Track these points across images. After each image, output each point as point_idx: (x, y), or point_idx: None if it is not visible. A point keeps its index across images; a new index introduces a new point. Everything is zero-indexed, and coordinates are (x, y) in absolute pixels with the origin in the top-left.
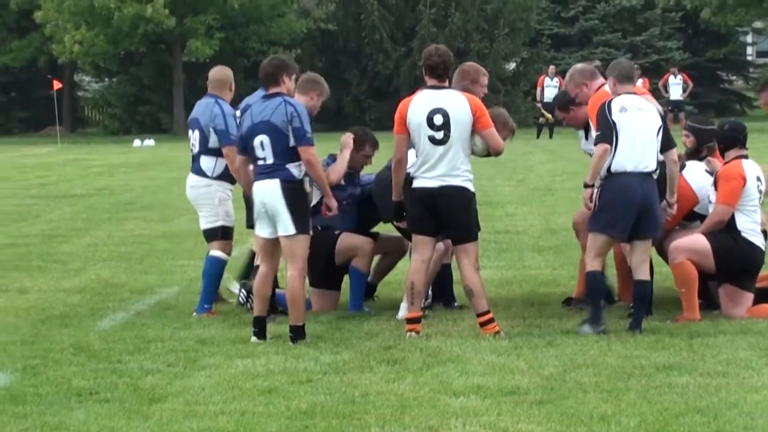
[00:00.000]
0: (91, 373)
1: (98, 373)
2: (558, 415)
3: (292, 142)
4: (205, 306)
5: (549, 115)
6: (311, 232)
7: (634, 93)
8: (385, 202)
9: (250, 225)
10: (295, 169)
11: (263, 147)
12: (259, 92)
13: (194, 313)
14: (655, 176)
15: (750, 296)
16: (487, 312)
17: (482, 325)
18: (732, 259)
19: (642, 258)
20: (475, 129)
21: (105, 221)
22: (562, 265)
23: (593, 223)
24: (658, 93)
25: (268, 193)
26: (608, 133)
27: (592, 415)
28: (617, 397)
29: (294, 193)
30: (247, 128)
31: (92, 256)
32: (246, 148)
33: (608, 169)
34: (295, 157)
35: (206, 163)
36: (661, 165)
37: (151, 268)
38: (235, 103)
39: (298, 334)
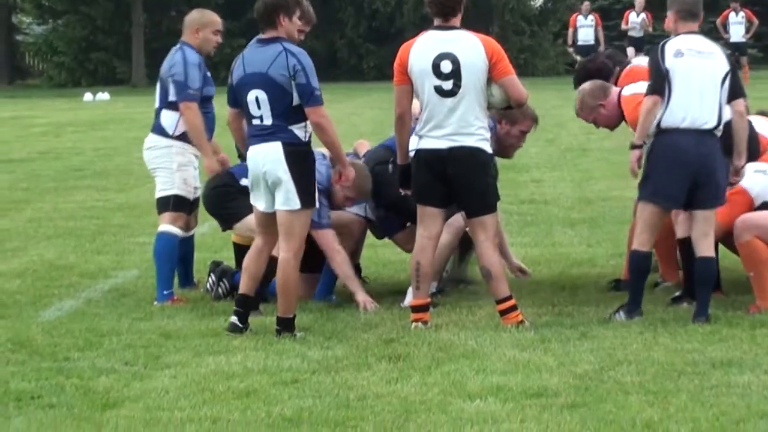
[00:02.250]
0: (32, 373)
1: (41, 373)
2: (594, 422)
3: (296, 101)
4: (165, 292)
5: None
6: (317, 205)
7: (698, 33)
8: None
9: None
10: (299, 130)
11: (259, 104)
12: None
13: (155, 302)
14: (718, 133)
15: None
16: (509, 298)
17: (503, 313)
18: None
19: (703, 231)
20: (492, 77)
21: (50, 191)
22: (599, 242)
23: (640, 190)
24: (714, 33)
25: (269, 159)
26: (659, 82)
27: (635, 421)
28: (665, 400)
29: (300, 159)
30: (238, 79)
31: (34, 234)
32: (237, 102)
33: (658, 125)
34: (299, 117)
35: (167, 119)
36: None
37: (105, 247)
38: (223, 54)
39: (286, 326)
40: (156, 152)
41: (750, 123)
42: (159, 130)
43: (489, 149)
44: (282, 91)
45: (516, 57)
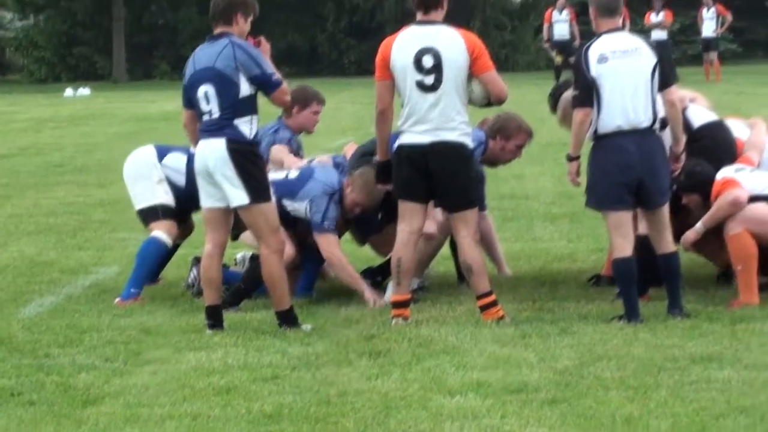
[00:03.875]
0: (12, 369)
1: (21, 369)
2: (574, 417)
3: (243, 93)
4: (133, 290)
5: (559, 58)
6: (273, 199)
7: (620, 29)
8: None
9: None
10: (244, 125)
11: (208, 99)
12: None
13: (117, 299)
14: (657, 127)
15: None
16: (490, 293)
17: (483, 309)
18: None
19: (658, 229)
20: (473, 72)
21: (30, 187)
22: (580, 237)
23: (589, 199)
24: (691, 30)
25: (213, 155)
26: (587, 93)
27: (615, 416)
28: (645, 395)
29: (244, 156)
30: (189, 77)
31: (15, 230)
32: (191, 101)
33: (595, 132)
34: (245, 110)
35: (174, 157)
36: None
37: (85, 243)
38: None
39: (285, 320)
40: (138, 165)
41: (727, 128)
42: (160, 151)
43: (471, 144)
44: (229, 83)
45: (497, 52)
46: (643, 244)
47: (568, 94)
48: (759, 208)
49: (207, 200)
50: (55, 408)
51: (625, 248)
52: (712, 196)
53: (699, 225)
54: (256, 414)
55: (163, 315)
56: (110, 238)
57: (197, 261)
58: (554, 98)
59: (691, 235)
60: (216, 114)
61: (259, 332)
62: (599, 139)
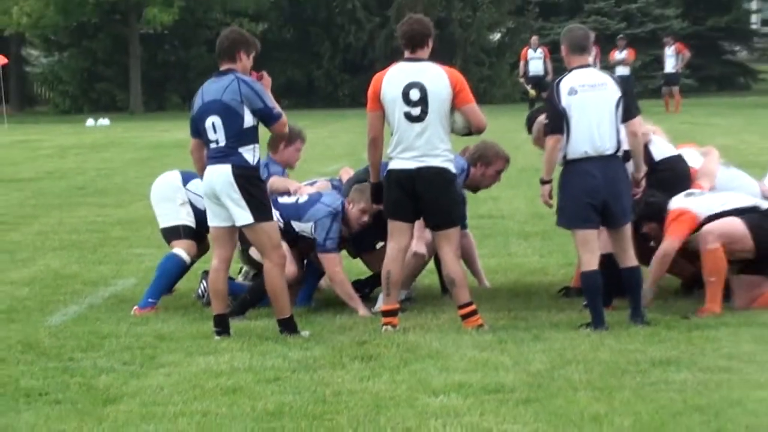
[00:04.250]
0: (40, 372)
1: (48, 372)
2: (546, 415)
3: (246, 123)
4: (150, 300)
5: (533, 92)
6: (275, 219)
7: (589, 65)
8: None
9: None
10: (248, 153)
11: (215, 129)
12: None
13: (135, 308)
14: (621, 154)
15: None
16: (470, 303)
17: (464, 317)
18: None
19: (622, 245)
20: (455, 105)
21: (55, 207)
22: (551, 252)
23: (559, 219)
24: (652, 66)
25: (220, 180)
26: (557, 122)
27: (583, 414)
28: (610, 395)
29: (247, 181)
30: (198, 108)
31: (42, 245)
32: (198, 131)
33: (564, 157)
34: (248, 139)
35: (195, 183)
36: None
37: (105, 258)
38: None
39: (286, 327)
40: (164, 187)
41: (684, 161)
42: (185, 177)
43: (453, 169)
44: (234, 114)
45: (476, 86)
46: (607, 260)
47: (542, 118)
48: (735, 225)
49: (214, 220)
50: (79, 406)
51: (592, 263)
52: (666, 223)
53: (649, 284)
54: (260, 412)
55: (176, 323)
56: (128, 253)
57: (206, 274)
58: (530, 121)
59: (647, 296)
60: (222, 142)
61: (263, 338)
62: (568, 164)
